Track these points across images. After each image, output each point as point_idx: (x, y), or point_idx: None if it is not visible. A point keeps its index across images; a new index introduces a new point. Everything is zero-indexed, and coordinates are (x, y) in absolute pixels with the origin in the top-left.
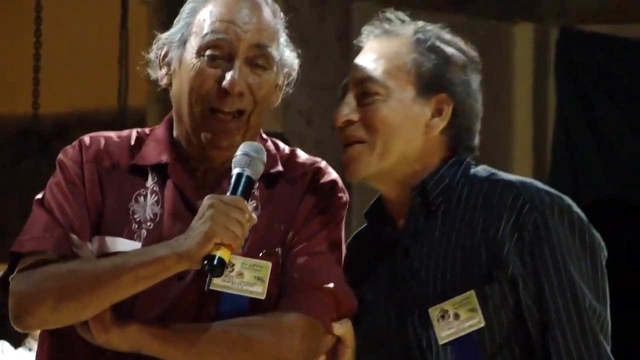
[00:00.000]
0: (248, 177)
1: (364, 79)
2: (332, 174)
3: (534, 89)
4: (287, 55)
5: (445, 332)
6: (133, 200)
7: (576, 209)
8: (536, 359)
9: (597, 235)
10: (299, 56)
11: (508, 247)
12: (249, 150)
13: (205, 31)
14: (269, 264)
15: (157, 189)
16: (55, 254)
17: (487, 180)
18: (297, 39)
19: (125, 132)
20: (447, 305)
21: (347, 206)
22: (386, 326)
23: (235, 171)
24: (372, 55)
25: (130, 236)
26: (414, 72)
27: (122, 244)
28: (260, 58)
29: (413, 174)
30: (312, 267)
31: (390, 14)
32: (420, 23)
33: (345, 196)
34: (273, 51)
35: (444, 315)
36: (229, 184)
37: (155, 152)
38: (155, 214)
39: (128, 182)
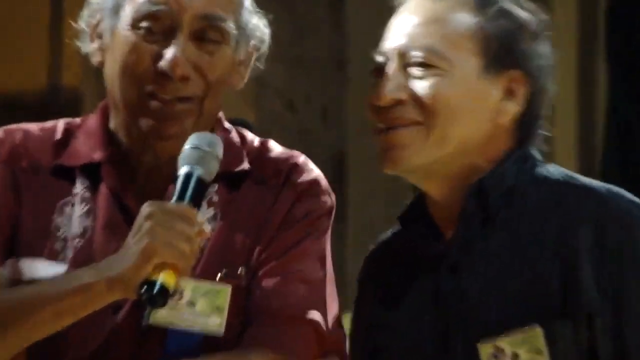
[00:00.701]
0: (199, 178)
1: (415, 47)
2: (314, 171)
3: (579, 71)
4: (254, 23)
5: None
6: (57, 211)
7: None
8: None
9: None
10: (279, 26)
11: (586, 270)
12: (200, 143)
13: (133, 5)
14: (229, 289)
15: (88, 196)
16: None
17: (563, 183)
18: (277, 5)
19: (50, 124)
20: (504, 342)
21: (333, 212)
22: (423, 355)
23: (182, 170)
24: (422, 17)
25: (53, 257)
26: (480, 39)
27: (43, 268)
28: (211, 31)
29: (470, 168)
30: (285, 291)
31: None
32: None
33: (330, 199)
34: (228, 22)
35: (497, 355)
36: (175, 186)
37: (86, 149)
38: (85, 228)
39: (51, 188)
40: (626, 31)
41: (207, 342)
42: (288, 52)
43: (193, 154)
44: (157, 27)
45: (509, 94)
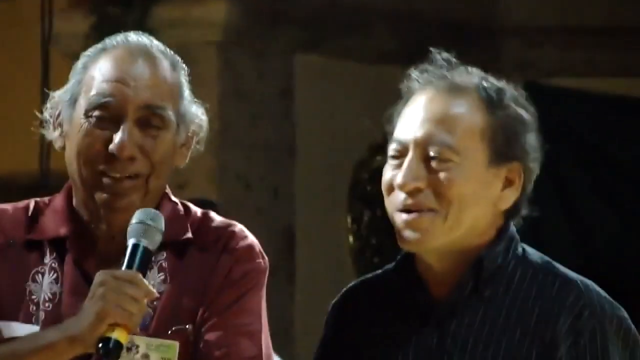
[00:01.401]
0: (144, 248)
1: (433, 142)
2: (249, 238)
3: None
4: (193, 111)
5: None
6: (30, 279)
7: (629, 322)
8: None
9: None
10: (237, 115)
11: (561, 351)
12: (144, 218)
13: (92, 92)
14: (177, 344)
15: (56, 265)
16: None
17: (543, 270)
18: (234, 95)
19: (22, 203)
20: None
21: (267, 272)
22: None
23: (130, 242)
24: (439, 113)
25: (28, 319)
26: (487, 137)
27: (19, 329)
28: (153, 118)
29: (471, 247)
30: (227, 343)
31: (439, 54)
32: (475, 71)
33: (264, 262)
34: (167, 110)
35: None
36: (124, 256)
37: (53, 225)
38: (54, 293)
39: (25, 259)
40: (537, 116)
41: None
42: (245, 137)
43: (139, 228)
44: (106, 116)
45: (509, 183)
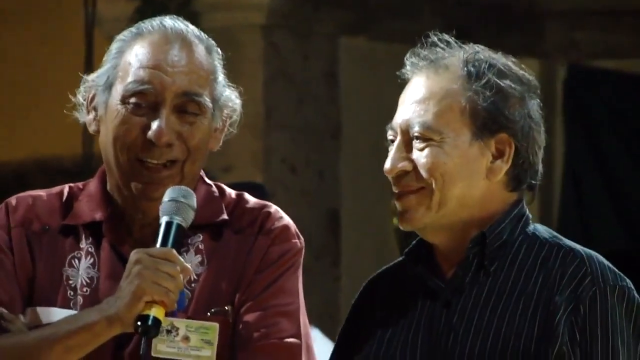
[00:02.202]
0: (178, 225)
1: (413, 123)
2: (284, 219)
3: None
4: (227, 95)
5: None
6: (67, 264)
7: (635, 293)
8: None
9: None
10: (281, 97)
11: (560, 316)
12: (176, 196)
13: (129, 79)
14: (217, 325)
15: (93, 250)
16: None
17: (549, 242)
18: (279, 78)
19: (56, 189)
20: None
21: (302, 252)
22: None
23: (163, 220)
24: (420, 95)
25: (66, 304)
26: (468, 112)
27: (57, 314)
28: (190, 105)
29: (471, 220)
30: (266, 324)
31: (436, 37)
32: (469, 49)
33: (299, 242)
34: (204, 97)
35: None
36: (157, 234)
37: (88, 209)
38: (91, 278)
39: (61, 245)
40: (581, 99)
41: None
42: (290, 120)
43: (171, 205)
44: (144, 103)
45: (498, 154)
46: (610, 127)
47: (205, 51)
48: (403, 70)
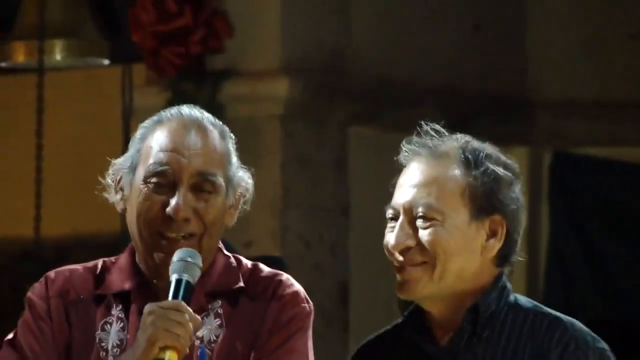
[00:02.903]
0: (187, 282)
1: (418, 204)
2: (295, 286)
3: (527, 214)
4: (240, 175)
5: None
6: (99, 328)
7: (610, 353)
8: None
9: None
10: (296, 179)
11: None
12: (184, 256)
13: (150, 161)
14: None
15: (122, 316)
16: None
17: (532, 311)
18: (295, 163)
19: (91, 263)
20: None
21: (312, 316)
22: None
23: (173, 277)
24: (422, 179)
25: None
26: (468, 195)
27: None
28: (204, 184)
29: (465, 293)
30: None
31: (428, 126)
32: (461, 138)
33: (308, 306)
34: (218, 176)
35: None
36: (168, 290)
37: (118, 280)
38: (121, 340)
39: (94, 312)
40: (566, 184)
41: None
42: (305, 200)
43: (180, 265)
44: (164, 182)
45: (492, 234)
46: (593, 210)
47: (219, 136)
48: (400, 156)
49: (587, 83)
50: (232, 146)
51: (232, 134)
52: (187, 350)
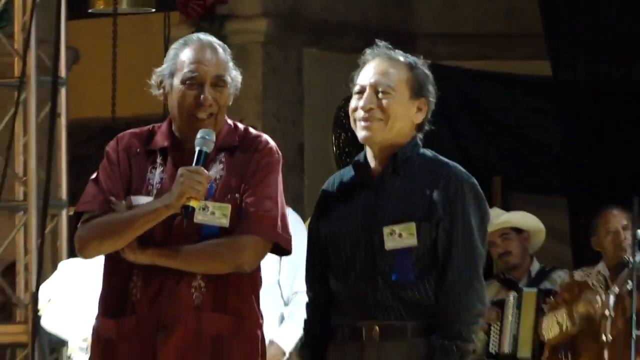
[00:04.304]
0: (205, 152)
1: (380, 83)
2: (270, 142)
3: None
4: (234, 74)
5: (391, 243)
6: (149, 171)
7: (479, 187)
8: (438, 267)
9: (487, 205)
10: (271, 81)
11: (438, 199)
12: (204, 135)
13: (184, 70)
14: (229, 205)
15: (162, 162)
16: (100, 211)
17: (433, 159)
18: (270, 71)
19: (146, 127)
20: (396, 227)
21: (281, 161)
22: (355, 233)
23: (197, 148)
24: (384, 69)
25: (148, 194)
26: (410, 83)
27: (142, 199)
28: (219, 82)
29: (395, 144)
30: (258, 203)
31: (382, 43)
32: (411, 57)
33: (279, 156)
34: (226, 77)
35: (392, 233)
36: (193, 156)
37: (160, 140)
38: (161, 178)
39: (146, 160)
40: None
41: (221, 231)
42: (276, 95)
43: (201, 140)
44: (194, 83)
45: (419, 110)
46: (462, 108)
47: (223, 51)
48: (362, 58)
49: (464, 20)
50: (229, 56)
51: (230, 50)
52: (204, 197)
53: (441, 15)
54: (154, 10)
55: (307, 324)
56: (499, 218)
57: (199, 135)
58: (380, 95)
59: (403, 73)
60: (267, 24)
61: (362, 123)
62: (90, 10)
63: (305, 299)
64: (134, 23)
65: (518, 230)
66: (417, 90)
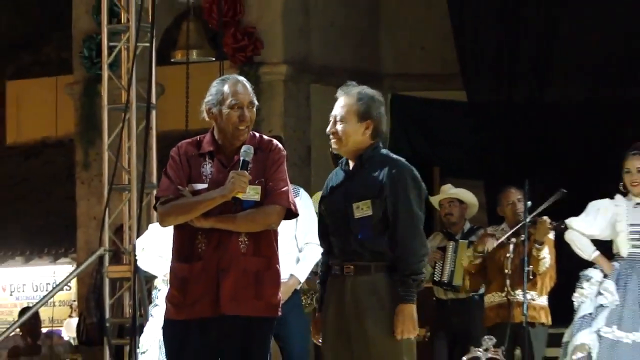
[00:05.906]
0: (247, 161)
1: (339, 114)
2: (278, 144)
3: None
4: (254, 100)
5: (358, 214)
6: (201, 167)
7: (416, 172)
8: (390, 228)
9: (423, 184)
10: (287, 103)
11: (386, 182)
12: (246, 149)
13: (229, 100)
14: (259, 187)
15: (210, 160)
16: (173, 196)
17: (389, 157)
18: (292, 105)
19: (195, 137)
20: (360, 203)
21: (286, 156)
22: (338, 207)
23: (242, 158)
24: (341, 103)
25: (202, 182)
26: (358, 112)
27: (200, 186)
28: (250, 106)
29: (358, 150)
30: (276, 184)
31: (350, 83)
32: (359, 87)
33: (284, 152)
34: (254, 101)
35: (358, 207)
36: (239, 163)
37: (207, 146)
38: (210, 172)
39: (199, 160)
40: (400, 113)
41: (256, 203)
42: (291, 112)
43: (245, 152)
44: (236, 107)
45: (367, 128)
46: (419, 130)
47: (250, 86)
48: (337, 93)
49: (415, 63)
50: (252, 88)
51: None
52: (246, 191)
53: (400, 60)
54: (213, 59)
55: (322, 266)
56: (450, 190)
57: (242, 149)
58: (338, 123)
59: (352, 105)
60: (286, 68)
61: (331, 141)
62: (172, 60)
63: (313, 247)
64: (200, 68)
65: (460, 201)
66: (362, 116)
